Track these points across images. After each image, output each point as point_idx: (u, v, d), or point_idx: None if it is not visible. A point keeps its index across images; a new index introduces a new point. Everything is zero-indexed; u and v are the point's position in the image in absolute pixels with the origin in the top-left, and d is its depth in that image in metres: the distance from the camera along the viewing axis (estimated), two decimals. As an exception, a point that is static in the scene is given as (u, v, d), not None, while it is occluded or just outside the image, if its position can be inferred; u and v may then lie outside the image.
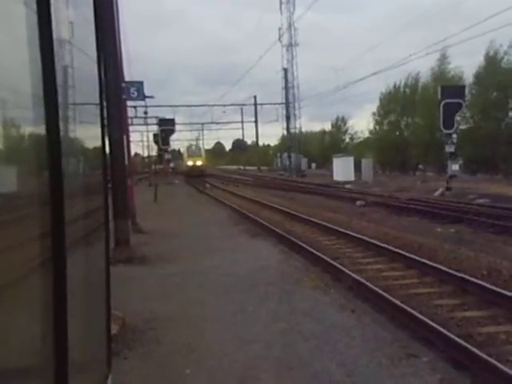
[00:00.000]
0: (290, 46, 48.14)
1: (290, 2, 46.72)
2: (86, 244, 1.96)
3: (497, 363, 4.09)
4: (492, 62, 33.90)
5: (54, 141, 1.35)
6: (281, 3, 47.21)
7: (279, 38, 47.50)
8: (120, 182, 8.26)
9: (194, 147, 54.52)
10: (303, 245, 9.93)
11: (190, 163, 50.09)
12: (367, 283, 6.82)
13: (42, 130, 1.30)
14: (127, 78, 13.31)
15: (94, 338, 1.97)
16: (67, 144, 1.67)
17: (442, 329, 4.92)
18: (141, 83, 10.40)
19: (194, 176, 43.61)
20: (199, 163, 49.90)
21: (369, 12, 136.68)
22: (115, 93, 8.22)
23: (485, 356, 4.22)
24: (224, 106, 53.47)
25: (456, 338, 4.64)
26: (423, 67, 43.76)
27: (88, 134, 2.22)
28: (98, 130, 2.30)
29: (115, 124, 8.20)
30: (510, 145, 31.67)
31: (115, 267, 7.49)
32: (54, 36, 1.37)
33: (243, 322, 5.37)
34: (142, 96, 10.69)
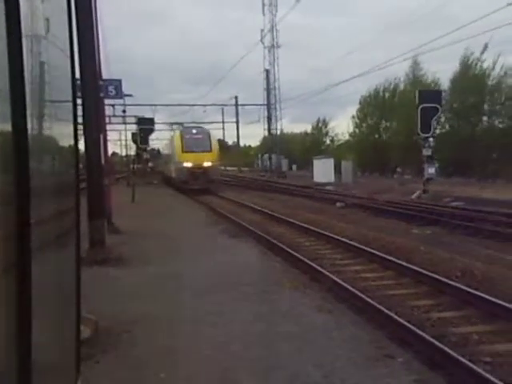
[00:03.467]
0: (273, 47, 48.29)
1: (273, 4, 46.87)
2: (54, 245, 1.91)
3: (469, 363, 4.15)
4: (467, 67, 34.74)
5: (20, 138, 1.30)
6: (263, 5, 47.32)
7: (261, 40, 47.58)
8: (96, 182, 8.11)
9: (195, 131, 28.43)
10: (282, 246, 9.94)
11: (187, 164, 26.02)
12: (345, 284, 6.86)
13: (8, 126, 1.25)
14: (107, 76, 13.14)
15: (61, 342, 1.91)
16: (35, 142, 1.62)
17: (417, 329, 4.98)
18: (119, 81, 10.25)
19: (196, 189, 24.98)
20: (208, 164, 26.29)
21: (353, 14, 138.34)
22: (92, 91, 8.07)
23: (458, 356, 4.29)
24: (205, 105, 52.98)
25: (431, 339, 4.70)
26: (404, 71, 44.39)
27: (59, 131, 2.16)
28: (71, 128, 2.24)
29: (92, 122, 8.04)
30: (485, 149, 32.45)
31: (89, 268, 7.35)
32: (23, 29, 1.32)
33: (222, 323, 5.34)
34: (121, 94, 10.53)
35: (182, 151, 26.39)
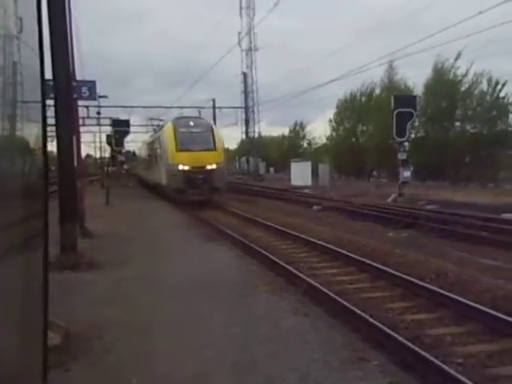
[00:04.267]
0: (250, 50, 48.42)
1: (250, 7, 47.05)
2: (20, 250, 1.84)
3: (442, 365, 4.21)
4: (439, 73, 35.64)
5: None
6: (241, 8, 47.45)
7: (239, 43, 47.66)
8: (68, 184, 7.92)
9: (193, 123, 21.29)
10: (259, 249, 9.92)
11: (184, 167, 19.61)
12: (321, 287, 6.88)
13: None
14: (81, 77, 12.92)
15: (26, 349, 1.85)
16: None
17: (391, 332, 5.03)
18: (93, 82, 10.05)
19: (196, 201, 18.93)
20: (211, 166, 19.87)
21: (332, 18, 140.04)
22: (65, 91, 7.90)
23: (432, 358, 4.34)
24: (181, 107, 52.41)
25: (404, 341, 4.75)
26: (380, 76, 45.19)
27: (26, 132, 2.10)
28: (39, 129, 2.18)
29: (64, 124, 7.87)
30: (458, 153, 33.27)
31: (60, 274, 7.19)
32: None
33: (197, 327, 5.28)
34: (94, 96, 10.33)
35: (177, 150, 19.58)
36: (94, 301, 6.21)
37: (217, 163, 19.78)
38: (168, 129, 21.08)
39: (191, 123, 20.84)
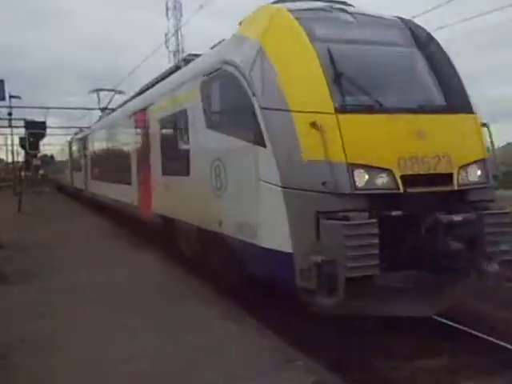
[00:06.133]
0: (177, 52, 47.70)
1: (177, 8, 46.48)
2: None
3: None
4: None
5: None
6: (167, 9, 46.68)
7: (165, 44, 46.69)
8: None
9: (354, 19, 5.08)
10: (189, 256, 9.67)
11: (378, 176, 4.30)
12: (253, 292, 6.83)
13: None
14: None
15: None
16: None
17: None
18: (1, 82, 9.18)
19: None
20: (472, 171, 4.80)
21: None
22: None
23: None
24: (104, 109, 50.04)
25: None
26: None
27: None
28: None
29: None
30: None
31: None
32: None
33: (123, 339, 5.01)
34: (3, 96, 9.46)
35: (337, 108, 4.54)
36: (3, 317, 5.68)
37: (479, 156, 5.28)
38: (284, 35, 5.36)
39: (351, 19, 5.69)
